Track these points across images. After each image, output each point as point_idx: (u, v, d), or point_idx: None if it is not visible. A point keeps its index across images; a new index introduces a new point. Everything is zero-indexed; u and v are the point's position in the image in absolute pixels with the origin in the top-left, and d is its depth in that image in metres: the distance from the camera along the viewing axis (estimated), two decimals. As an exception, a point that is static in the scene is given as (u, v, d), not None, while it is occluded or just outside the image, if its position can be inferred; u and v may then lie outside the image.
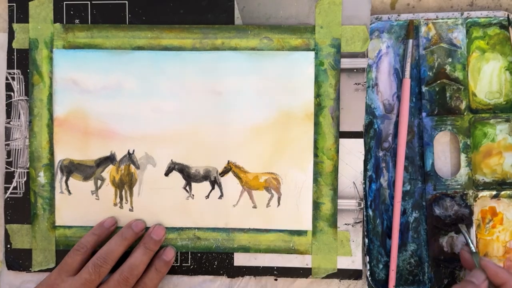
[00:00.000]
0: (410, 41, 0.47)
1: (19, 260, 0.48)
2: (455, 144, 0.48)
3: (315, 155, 0.47)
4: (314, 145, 0.47)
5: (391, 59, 0.48)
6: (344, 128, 0.47)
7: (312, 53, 0.47)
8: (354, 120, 0.47)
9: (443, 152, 0.48)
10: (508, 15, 0.47)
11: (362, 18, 0.47)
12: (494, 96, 0.48)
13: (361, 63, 0.47)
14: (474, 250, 0.45)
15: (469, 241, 0.45)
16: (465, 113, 0.48)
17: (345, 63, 0.47)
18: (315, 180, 0.47)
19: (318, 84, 0.47)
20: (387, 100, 0.48)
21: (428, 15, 0.47)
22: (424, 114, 0.48)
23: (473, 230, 0.47)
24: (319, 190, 0.47)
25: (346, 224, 0.48)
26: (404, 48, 0.48)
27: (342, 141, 0.47)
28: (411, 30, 0.47)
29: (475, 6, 0.49)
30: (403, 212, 0.48)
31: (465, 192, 0.48)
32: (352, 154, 0.47)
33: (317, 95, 0.47)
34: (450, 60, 0.47)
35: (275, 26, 0.47)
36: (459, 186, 0.48)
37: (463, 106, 0.48)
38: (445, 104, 0.48)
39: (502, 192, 0.47)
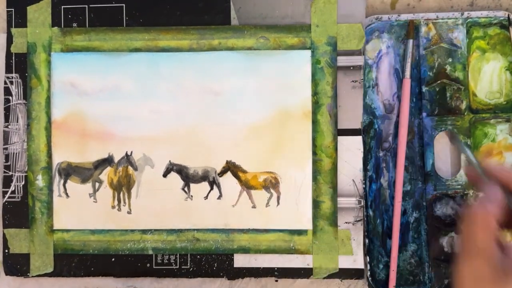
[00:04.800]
0: (410, 41, 0.47)
1: (17, 265, 0.48)
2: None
3: (314, 153, 0.47)
4: (313, 143, 0.47)
5: (391, 59, 0.48)
6: (342, 125, 0.47)
7: (308, 52, 0.47)
8: (352, 117, 0.47)
9: (443, 152, 0.48)
10: (508, 15, 0.47)
11: (357, 16, 0.47)
12: (494, 96, 0.48)
13: (357, 60, 0.47)
14: (475, 162, 0.35)
15: (468, 152, 0.36)
16: (465, 113, 0.47)
17: (342, 61, 0.47)
18: (314, 179, 0.47)
19: (315, 82, 0.47)
20: (387, 100, 0.48)
21: (428, 15, 0.47)
22: (424, 114, 0.47)
23: None
24: (319, 188, 0.47)
25: (346, 222, 0.47)
26: (404, 48, 0.47)
27: (341, 138, 0.47)
28: (411, 30, 0.47)
29: (475, 6, 0.49)
30: (404, 212, 0.47)
31: (466, 192, 0.47)
32: (351, 151, 0.47)
33: (315, 93, 0.47)
34: (450, 60, 0.47)
35: (271, 25, 0.47)
36: (459, 186, 0.47)
37: (463, 106, 0.47)
38: (446, 104, 0.47)
39: (503, 191, 0.47)
